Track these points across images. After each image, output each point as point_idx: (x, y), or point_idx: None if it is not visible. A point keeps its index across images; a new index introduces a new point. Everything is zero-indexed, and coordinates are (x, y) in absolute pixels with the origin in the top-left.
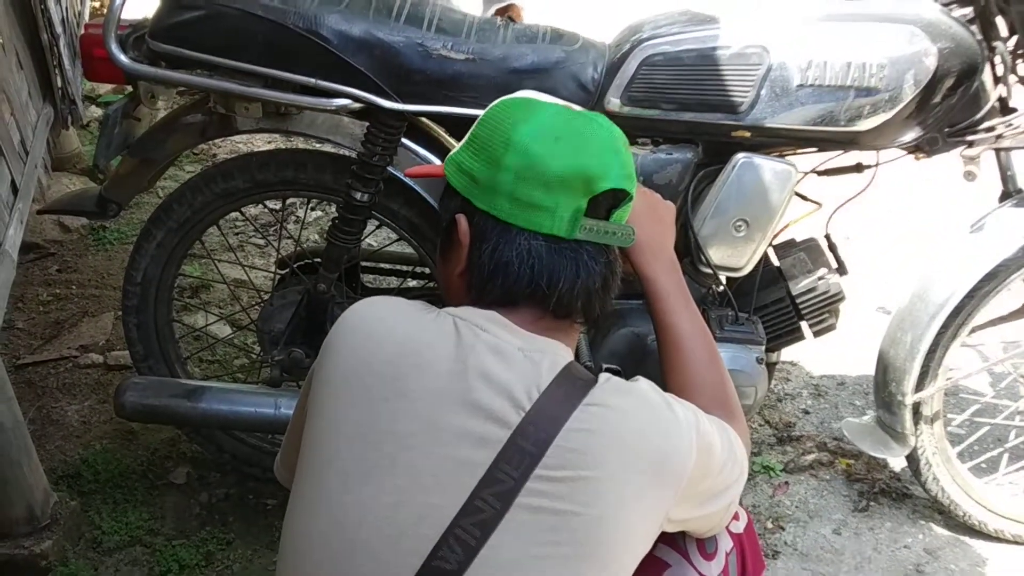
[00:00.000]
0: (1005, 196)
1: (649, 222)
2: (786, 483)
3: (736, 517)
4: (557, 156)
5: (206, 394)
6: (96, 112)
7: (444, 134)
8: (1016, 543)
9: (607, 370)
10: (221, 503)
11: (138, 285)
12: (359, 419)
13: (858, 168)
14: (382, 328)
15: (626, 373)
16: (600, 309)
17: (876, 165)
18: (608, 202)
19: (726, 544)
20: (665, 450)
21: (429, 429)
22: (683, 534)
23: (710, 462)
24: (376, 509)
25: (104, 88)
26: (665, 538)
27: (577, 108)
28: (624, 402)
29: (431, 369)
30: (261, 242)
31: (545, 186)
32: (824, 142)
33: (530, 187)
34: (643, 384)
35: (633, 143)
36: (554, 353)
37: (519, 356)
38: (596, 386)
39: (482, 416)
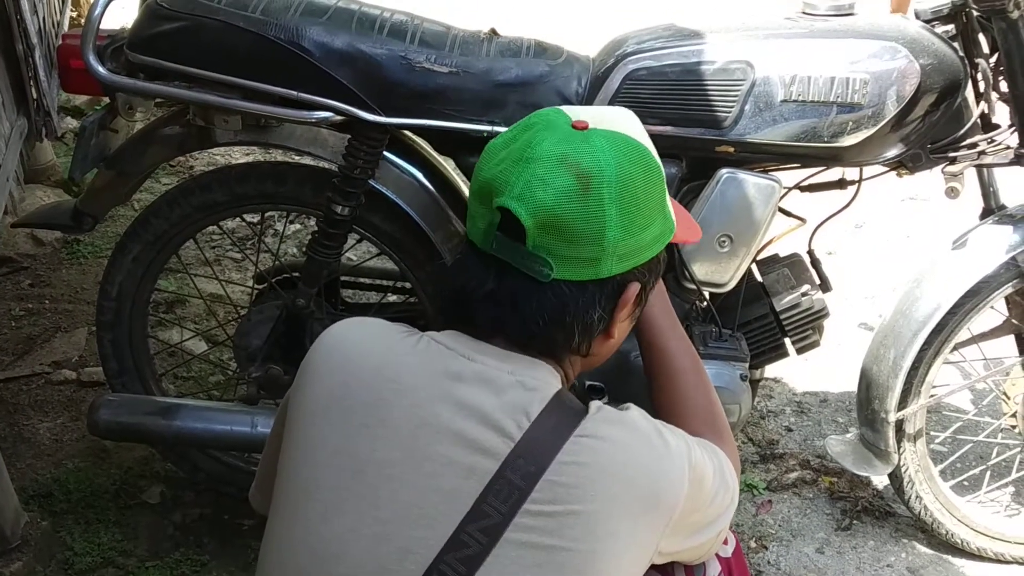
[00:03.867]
0: (987, 213)
1: None
2: (769, 501)
3: (724, 541)
4: (487, 163)
5: (181, 412)
6: (72, 124)
7: (427, 147)
8: (999, 561)
9: (590, 387)
10: (196, 523)
11: (113, 300)
12: (338, 446)
13: (841, 184)
14: (361, 351)
15: (609, 389)
16: (569, 345)
17: (859, 181)
18: (515, 223)
19: (714, 569)
20: (657, 484)
21: (412, 458)
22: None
23: (701, 494)
24: (357, 542)
25: (81, 99)
26: (653, 565)
27: (590, 114)
28: (616, 433)
29: (413, 396)
30: (238, 256)
31: (474, 192)
32: (807, 158)
33: (471, 194)
34: (634, 413)
35: None
36: (545, 379)
37: (508, 381)
38: (587, 416)
39: (468, 446)
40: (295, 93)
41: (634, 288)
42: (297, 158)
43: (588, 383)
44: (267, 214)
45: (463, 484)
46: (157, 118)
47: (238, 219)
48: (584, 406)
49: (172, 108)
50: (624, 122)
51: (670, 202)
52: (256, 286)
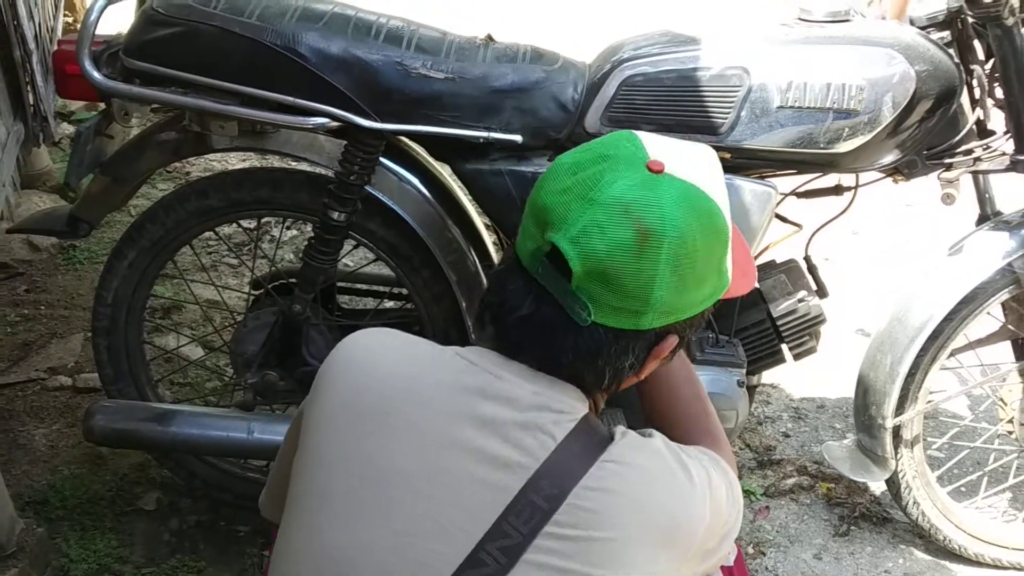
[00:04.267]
0: (983, 219)
1: None
2: (767, 507)
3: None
4: (550, 185)
5: (177, 418)
6: (68, 129)
7: (423, 153)
8: (996, 567)
9: None
10: (192, 530)
11: (108, 306)
12: (356, 454)
13: (837, 190)
14: (382, 360)
15: None
16: (599, 385)
17: (856, 187)
18: (564, 258)
19: None
20: (680, 517)
21: (431, 471)
22: None
23: (719, 521)
24: (373, 553)
25: (76, 105)
26: None
27: (668, 151)
28: (642, 462)
29: (435, 408)
30: (235, 262)
31: (530, 210)
32: (804, 164)
33: (528, 207)
34: (657, 441)
35: None
36: (572, 403)
37: (534, 402)
38: (613, 443)
39: (489, 463)
40: (291, 99)
41: (672, 341)
42: (294, 164)
43: None
44: (264, 220)
45: (483, 501)
46: (153, 124)
47: (235, 225)
48: (610, 432)
49: (168, 114)
50: (703, 166)
51: (731, 251)
52: (252, 292)
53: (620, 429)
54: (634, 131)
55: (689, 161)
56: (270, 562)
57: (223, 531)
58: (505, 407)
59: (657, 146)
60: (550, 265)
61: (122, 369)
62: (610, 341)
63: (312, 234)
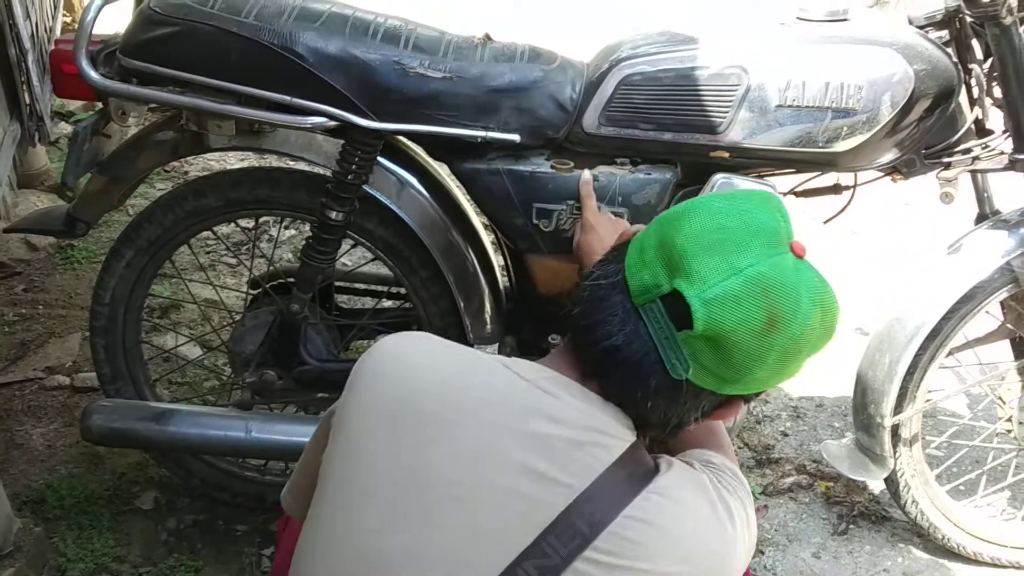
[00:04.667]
0: (981, 218)
1: None
2: (765, 506)
3: None
4: (692, 225)
5: (175, 417)
6: (65, 129)
7: (421, 152)
8: (995, 566)
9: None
10: (190, 529)
11: (106, 305)
12: (397, 459)
13: (836, 189)
14: (429, 364)
15: None
16: (659, 429)
17: (854, 186)
18: (684, 310)
19: None
20: (720, 556)
21: (475, 482)
22: None
23: (749, 558)
24: (411, 560)
25: (75, 105)
26: None
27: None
28: (687, 497)
29: (483, 418)
30: (233, 261)
31: (656, 240)
32: (802, 163)
33: (650, 234)
34: (703, 476)
35: (612, 163)
36: (621, 430)
37: (584, 424)
38: (660, 473)
39: (534, 480)
40: (289, 98)
41: (738, 406)
42: (291, 163)
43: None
44: (262, 220)
45: (524, 517)
46: (150, 123)
47: (233, 224)
48: (656, 462)
49: (165, 113)
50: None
51: None
52: (251, 291)
53: (666, 459)
54: (780, 199)
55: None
56: (294, 554)
57: (221, 530)
58: (554, 425)
59: (799, 225)
60: (663, 308)
61: (120, 368)
62: (688, 395)
63: (310, 233)
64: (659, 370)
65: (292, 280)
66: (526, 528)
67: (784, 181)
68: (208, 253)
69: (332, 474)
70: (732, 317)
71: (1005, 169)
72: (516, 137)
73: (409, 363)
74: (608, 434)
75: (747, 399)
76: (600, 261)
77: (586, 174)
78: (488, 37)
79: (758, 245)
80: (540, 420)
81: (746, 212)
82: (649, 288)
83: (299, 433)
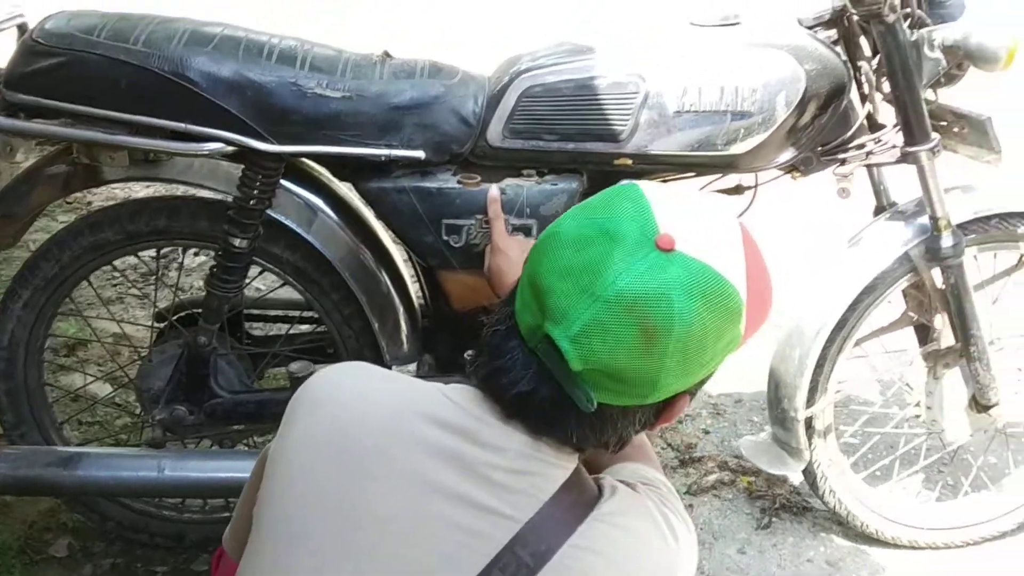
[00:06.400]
0: (879, 210)
1: None
2: (690, 506)
3: None
4: (549, 260)
5: (83, 460)
6: None
7: (326, 173)
8: (912, 548)
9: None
10: (107, 574)
11: (5, 348)
12: (332, 496)
13: (738, 190)
14: (359, 399)
15: None
16: (604, 448)
17: (755, 186)
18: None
19: None
20: (667, 573)
21: (413, 516)
22: None
23: (694, 561)
24: None
25: None
26: None
27: (678, 213)
28: (632, 524)
29: (417, 451)
30: (140, 293)
31: (528, 280)
32: (703, 166)
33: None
34: (647, 501)
35: (518, 175)
36: (563, 456)
37: (524, 451)
38: (603, 499)
39: (474, 511)
40: (183, 125)
41: (683, 403)
42: (194, 191)
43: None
44: (165, 250)
45: (466, 550)
46: (41, 157)
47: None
48: (599, 488)
49: (56, 147)
50: (717, 228)
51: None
52: (156, 325)
53: (609, 483)
54: (642, 188)
55: (702, 227)
56: None
57: (140, 573)
58: (492, 454)
59: (668, 210)
60: (550, 348)
61: (23, 413)
62: (616, 416)
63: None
64: (574, 404)
65: (199, 311)
66: (469, 561)
67: (687, 185)
68: (115, 286)
69: (268, 512)
70: (604, 347)
71: (898, 162)
72: (421, 154)
73: (345, 397)
74: (548, 463)
75: (691, 392)
76: (501, 303)
77: (493, 191)
78: (387, 54)
79: (620, 255)
80: (478, 449)
81: (604, 221)
82: (534, 330)
83: (214, 468)
